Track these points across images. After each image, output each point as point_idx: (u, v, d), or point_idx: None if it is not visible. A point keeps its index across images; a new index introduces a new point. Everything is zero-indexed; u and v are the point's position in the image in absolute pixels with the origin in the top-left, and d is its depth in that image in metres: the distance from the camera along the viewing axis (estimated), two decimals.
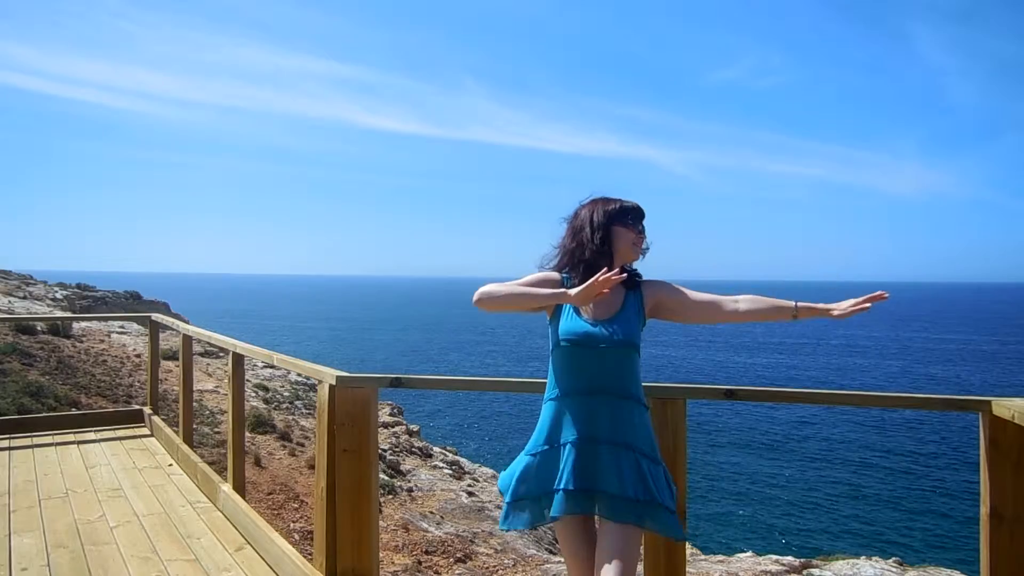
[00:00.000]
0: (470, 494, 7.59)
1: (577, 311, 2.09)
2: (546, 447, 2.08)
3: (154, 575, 3.18)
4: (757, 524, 14.80)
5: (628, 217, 2.13)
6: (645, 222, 2.19)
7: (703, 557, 6.48)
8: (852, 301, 1.92)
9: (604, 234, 2.12)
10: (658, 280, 2.19)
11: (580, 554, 2.04)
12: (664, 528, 1.99)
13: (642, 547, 2.38)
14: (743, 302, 2.06)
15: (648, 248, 2.18)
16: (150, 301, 20.34)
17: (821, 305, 1.98)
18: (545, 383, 2.55)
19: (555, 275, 2.16)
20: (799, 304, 2.00)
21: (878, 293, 1.91)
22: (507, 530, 2.15)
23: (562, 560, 5.58)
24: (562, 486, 1.99)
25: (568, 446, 2.03)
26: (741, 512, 15.47)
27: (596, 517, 2.05)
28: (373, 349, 49.72)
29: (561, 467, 2.02)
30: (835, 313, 1.95)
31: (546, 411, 2.13)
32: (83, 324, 11.40)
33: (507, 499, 2.12)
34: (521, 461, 2.14)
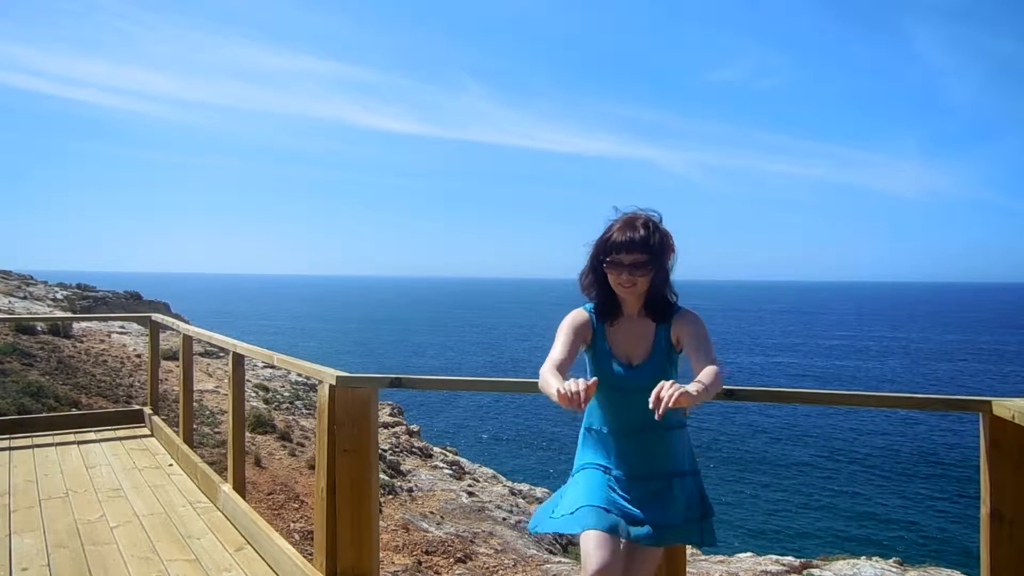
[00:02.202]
0: (470, 494, 7.59)
1: (610, 350, 2.08)
2: (591, 465, 2.12)
3: (154, 575, 3.18)
4: (757, 524, 14.80)
5: (609, 256, 2.03)
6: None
7: (703, 557, 6.48)
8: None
9: (597, 274, 2.10)
10: (689, 317, 2.06)
11: (602, 558, 2.01)
12: (691, 538, 2.07)
13: None
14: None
15: (649, 266, 2.02)
16: (150, 301, 20.34)
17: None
18: None
19: (582, 316, 2.14)
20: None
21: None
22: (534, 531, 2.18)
23: (562, 560, 5.58)
24: (606, 508, 2.01)
25: (614, 479, 2.06)
26: (741, 512, 15.47)
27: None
28: (373, 349, 49.71)
29: (601, 493, 2.04)
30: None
31: (590, 440, 2.17)
32: (83, 324, 11.40)
33: (555, 509, 2.13)
34: (568, 483, 2.19)
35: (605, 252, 2.03)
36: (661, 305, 2.08)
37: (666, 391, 1.64)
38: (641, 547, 1.99)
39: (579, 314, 2.15)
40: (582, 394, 1.71)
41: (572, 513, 2.06)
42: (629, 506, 2.02)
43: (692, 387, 1.73)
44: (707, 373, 1.85)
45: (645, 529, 1.98)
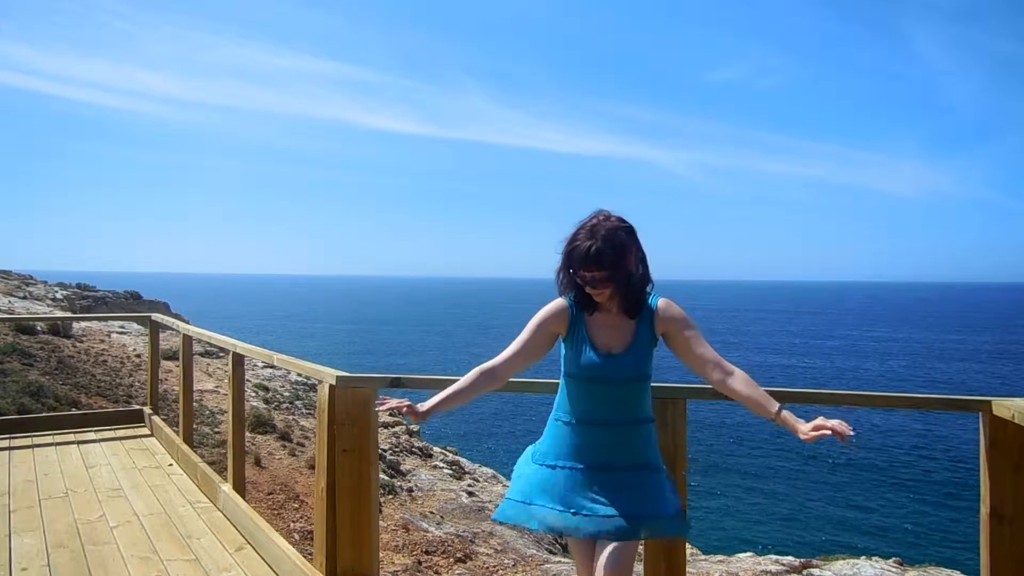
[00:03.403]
0: (470, 494, 7.59)
1: (590, 340, 2.09)
2: (556, 464, 2.10)
3: (154, 575, 3.18)
4: (757, 524, 14.80)
5: (577, 267, 2.05)
6: (639, 229, 2.13)
7: (703, 557, 6.48)
8: (818, 424, 1.87)
9: (568, 277, 2.12)
10: (674, 310, 2.10)
11: (587, 560, 2.07)
12: (665, 531, 2.04)
13: (642, 547, 2.38)
14: (737, 380, 2.00)
15: (622, 274, 2.04)
16: (150, 301, 20.34)
17: (798, 423, 1.92)
18: (545, 383, 2.54)
19: (560, 305, 2.16)
20: (782, 411, 1.94)
21: (844, 431, 1.86)
22: (498, 521, 2.19)
23: (562, 560, 5.59)
24: (573, 510, 2.01)
25: (579, 472, 2.06)
26: (741, 512, 15.46)
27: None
28: (373, 349, 49.72)
29: (570, 491, 2.04)
30: (802, 435, 1.89)
31: (557, 431, 2.15)
32: (83, 324, 11.40)
33: (508, 496, 2.16)
34: (530, 466, 2.18)
35: (570, 263, 2.08)
36: (634, 304, 2.10)
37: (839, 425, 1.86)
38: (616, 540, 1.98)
39: (557, 304, 2.16)
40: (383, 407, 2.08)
41: (507, 500, 2.14)
42: (595, 503, 2.01)
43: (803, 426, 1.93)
44: (756, 388, 2.01)
45: (616, 522, 1.97)
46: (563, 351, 2.15)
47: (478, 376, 2.12)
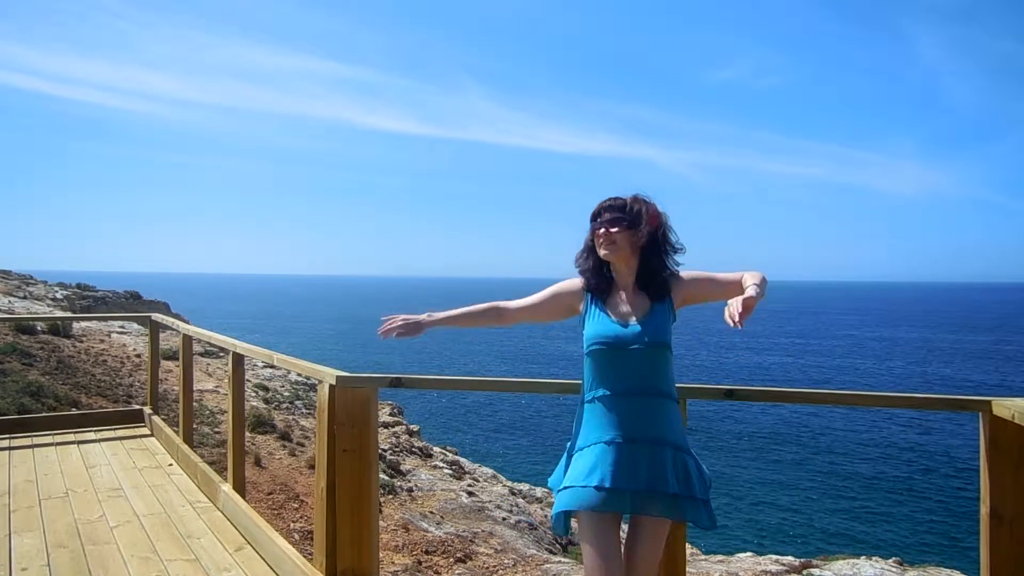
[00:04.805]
0: (470, 494, 7.59)
1: (607, 312, 2.13)
2: (589, 445, 2.10)
3: (154, 575, 3.18)
4: (757, 524, 14.80)
5: (595, 219, 2.18)
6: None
7: (703, 557, 6.48)
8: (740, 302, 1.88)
9: (590, 249, 2.20)
10: (682, 275, 2.18)
11: (601, 546, 2.01)
12: (696, 519, 2.04)
13: None
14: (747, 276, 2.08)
15: (650, 232, 2.12)
16: (150, 301, 20.34)
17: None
18: (547, 383, 2.55)
19: (576, 282, 2.22)
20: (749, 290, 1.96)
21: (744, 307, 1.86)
22: (563, 533, 2.21)
23: (562, 560, 5.59)
24: (600, 484, 2.00)
25: (609, 446, 2.05)
26: (741, 512, 15.47)
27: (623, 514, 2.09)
28: (373, 349, 49.71)
29: (600, 465, 2.03)
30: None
31: (586, 412, 2.16)
32: (83, 324, 11.40)
33: (556, 507, 2.14)
34: (567, 461, 2.19)
35: (594, 217, 2.17)
36: (656, 281, 2.14)
37: (735, 307, 1.84)
38: (646, 521, 2.00)
39: (575, 279, 2.24)
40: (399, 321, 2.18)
41: (564, 489, 2.11)
42: (630, 478, 2.00)
43: (752, 290, 1.94)
44: (752, 274, 2.04)
45: (650, 500, 1.98)
46: (583, 330, 2.17)
47: (488, 308, 2.26)
